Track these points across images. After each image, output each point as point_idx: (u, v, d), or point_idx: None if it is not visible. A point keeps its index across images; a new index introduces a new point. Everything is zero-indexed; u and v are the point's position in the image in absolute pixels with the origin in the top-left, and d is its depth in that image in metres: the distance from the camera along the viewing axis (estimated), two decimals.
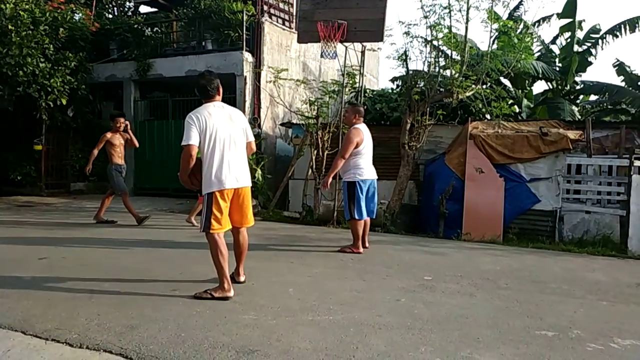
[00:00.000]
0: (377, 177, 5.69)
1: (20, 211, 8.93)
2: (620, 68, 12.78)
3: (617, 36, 12.29)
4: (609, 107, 13.32)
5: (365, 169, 5.47)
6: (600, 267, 5.30)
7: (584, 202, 7.42)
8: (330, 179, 5.50)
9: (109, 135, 7.31)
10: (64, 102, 10.42)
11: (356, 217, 5.42)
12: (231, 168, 3.66)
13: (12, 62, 9.46)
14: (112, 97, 12.59)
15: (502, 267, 5.11)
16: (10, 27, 9.42)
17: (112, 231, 6.78)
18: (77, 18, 11.47)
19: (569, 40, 12.41)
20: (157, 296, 3.70)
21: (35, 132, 11.08)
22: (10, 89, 9.90)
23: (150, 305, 3.48)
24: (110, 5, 14.31)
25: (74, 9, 11.39)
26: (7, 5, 9.53)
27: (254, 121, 10.56)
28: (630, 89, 12.45)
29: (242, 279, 4.07)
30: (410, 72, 8.54)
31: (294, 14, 12.06)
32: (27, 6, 9.77)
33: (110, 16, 13.86)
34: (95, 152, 7.36)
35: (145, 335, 2.94)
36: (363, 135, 5.45)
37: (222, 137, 3.64)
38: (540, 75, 11.60)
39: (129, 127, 7.58)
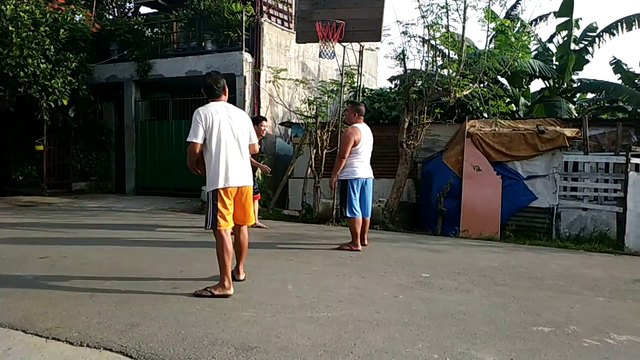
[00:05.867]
0: (372, 176, 5.72)
1: (22, 211, 8.97)
2: (617, 66, 12.82)
3: (613, 34, 12.31)
4: (606, 104, 13.36)
5: (359, 168, 5.50)
6: (597, 264, 5.33)
7: (580, 199, 7.45)
8: (335, 179, 5.56)
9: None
10: (65, 102, 10.46)
11: (347, 214, 5.48)
12: (235, 167, 3.73)
13: (13, 63, 9.50)
14: (112, 97, 12.62)
15: (500, 263, 5.14)
16: (10, 28, 9.45)
17: (113, 231, 6.81)
18: (77, 19, 11.50)
19: (565, 38, 12.45)
20: (157, 294, 3.73)
21: (36, 133, 11.12)
22: (11, 90, 9.94)
23: (150, 303, 3.51)
24: (111, 6, 14.34)
25: (75, 10, 11.42)
26: (8, 6, 9.57)
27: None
28: (627, 86, 12.48)
29: (242, 277, 4.11)
30: (408, 71, 8.56)
31: (293, 14, 12.09)
32: (27, 7, 9.80)
33: (111, 17, 13.89)
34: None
35: (145, 332, 2.97)
36: (360, 134, 5.48)
37: (227, 136, 3.71)
38: (537, 74, 11.62)
39: None
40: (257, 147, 4.11)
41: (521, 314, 3.48)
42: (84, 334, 2.96)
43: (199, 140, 3.64)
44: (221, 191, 3.68)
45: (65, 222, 7.52)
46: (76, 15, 11.51)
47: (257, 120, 7.24)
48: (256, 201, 6.85)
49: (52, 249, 5.40)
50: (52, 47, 10.11)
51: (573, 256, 5.74)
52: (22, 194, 11.00)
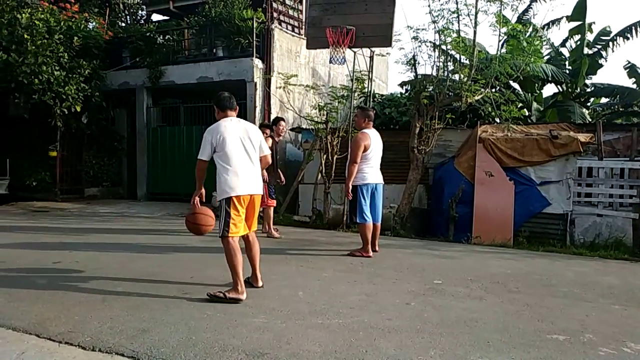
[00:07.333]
0: (383, 182, 5.70)
1: (36, 216, 9.08)
2: (632, 70, 12.63)
3: (627, 38, 12.15)
4: (621, 109, 13.15)
5: (369, 174, 5.48)
6: (613, 271, 5.24)
7: (595, 205, 7.34)
8: (350, 186, 5.48)
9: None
10: (78, 109, 10.61)
11: (357, 220, 5.46)
12: (246, 176, 3.84)
13: (28, 70, 9.67)
14: (125, 104, 12.76)
15: (513, 270, 5.08)
16: (26, 36, 9.63)
17: (125, 236, 6.86)
18: (90, 27, 11.70)
19: (578, 42, 12.31)
20: (168, 299, 3.75)
21: (50, 139, 11.27)
22: (26, 97, 10.11)
23: (162, 308, 3.52)
24: (123, 14, 14.51)
25: (88, 17, 11.61)
26: (23, 15, 9.75)
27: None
28: None
29: (260, 283, 4.09)
30: (419, 76, 8.53)
31: (303, 20, 12.14)
32: (42, 16, 9.99)
33: (123, 24, 14.05)
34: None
35: (156, 338, 2.98)
36: (370, 140, 5.46)
37: (237, 148, 3.85)
38: (550, 78, 11.50)
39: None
40: (270, 159, 4.18)
41: (535, 321, 3.43)
42: (96, 338, 2.97)
43: (205, 158, 3.86)
44: (234, 199, 3.76)
45: (77, 228, 7.59)
46: (89, 23, 11.71)
47: (275, 121, 7.30)
48: (271, 207, 6.85)
49: (64, 253, 5.45)
50: (66, 54, 10.28)
51: (588, 263, 5.66)
52: (35, 200, 11.15)
